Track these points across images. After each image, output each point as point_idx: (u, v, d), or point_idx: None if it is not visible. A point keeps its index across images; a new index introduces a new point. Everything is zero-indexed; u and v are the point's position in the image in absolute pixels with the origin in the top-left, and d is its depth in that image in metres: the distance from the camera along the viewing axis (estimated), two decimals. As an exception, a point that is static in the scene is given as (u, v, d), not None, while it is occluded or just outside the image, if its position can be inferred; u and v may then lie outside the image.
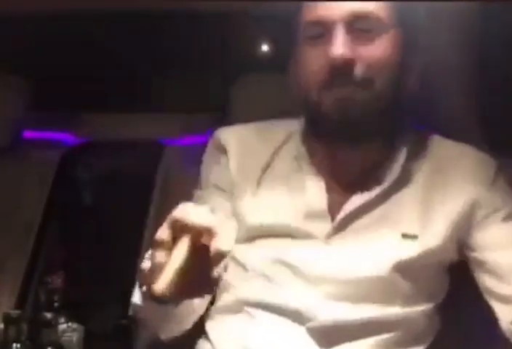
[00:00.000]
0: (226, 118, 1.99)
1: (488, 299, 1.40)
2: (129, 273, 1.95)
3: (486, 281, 1.39)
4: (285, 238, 1.35)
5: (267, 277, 1.34)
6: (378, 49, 1.31)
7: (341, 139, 1.34)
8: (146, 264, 1.13)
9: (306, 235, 1.34)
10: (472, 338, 1.55)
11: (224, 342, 1.36)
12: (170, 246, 0.97)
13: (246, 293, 1.36)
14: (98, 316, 1.81)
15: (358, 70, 1.29)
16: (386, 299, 1.34)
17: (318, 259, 1.33)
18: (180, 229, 0.97)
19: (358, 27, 1.29)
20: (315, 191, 1.36)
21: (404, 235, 1.35)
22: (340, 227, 1.35)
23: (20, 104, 2.17)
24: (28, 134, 2.23)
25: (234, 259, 1.39)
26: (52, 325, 1.41)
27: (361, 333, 1.33)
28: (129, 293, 1.92)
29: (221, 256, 0.96)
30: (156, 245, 0.98)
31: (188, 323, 1.34)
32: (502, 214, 1.39)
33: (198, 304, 1.33)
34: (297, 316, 1.31)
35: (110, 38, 2.39)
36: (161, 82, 2.37)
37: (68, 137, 2.23)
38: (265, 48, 2.21)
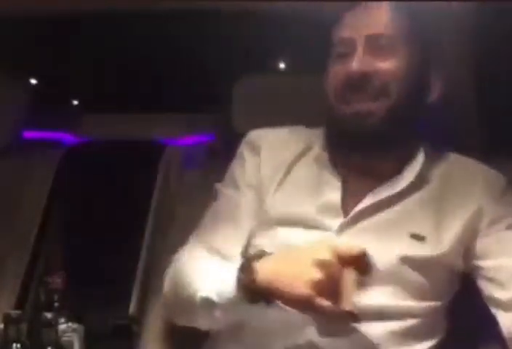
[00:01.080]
0: (227, 118, 1.99)
1: (490, 307, 1.44)
2: (129, 273, 1.96)
3: (487, 288, 1.44)
4: (300, 228, 1.45)
5: None
6: (395, 65, 1.44)
7: (357, 150, 1.46)
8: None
9: (320, 227, 1.44)
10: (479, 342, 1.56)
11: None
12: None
13: None
14: (98, 316, 1.80)
15: (375, 84, 1.43)
16: (397, 290, 1.41)
17: None
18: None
19: (377, 45, 1.45)
20: (331, 188, 1.48)
21: (413, 236, 1.43)
22: (352, 222, 1.44)
23: (20, 104, 2.17)
24: (28, 134, 2.23)
25: (254, 246, 1.49)
26: (52, 325, 1.41)
27: (370, 320, 1.38)
28: (129, 293, 1.93)
29: None
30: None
31: None
32: (506, 222, 1.45)
33: None
34: None
35: (111, 38, 2.39)
36: (162, 82, 2.37)
37: (68, 137, 2.23)
38: (266, 48, 2.21)
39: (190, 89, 2.37)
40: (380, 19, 1.47)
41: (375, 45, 1.45)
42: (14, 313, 1.38)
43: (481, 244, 1.45)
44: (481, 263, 1.45)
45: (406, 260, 1.41)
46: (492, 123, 1.87)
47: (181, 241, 1.85)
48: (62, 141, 2.23)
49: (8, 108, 2.13)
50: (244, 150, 1.60)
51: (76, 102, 2.37)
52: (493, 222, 1.46)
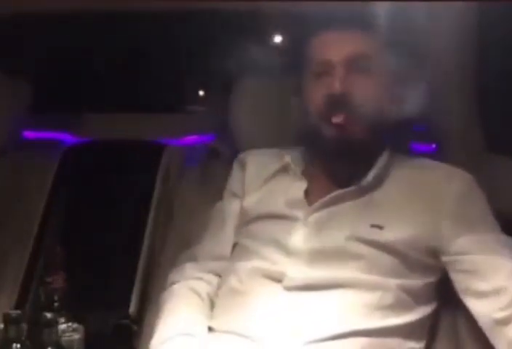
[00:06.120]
0: (226, 119, 1.99)
1: (465, 299, 1.53)
2: (129, 273, 1.96)
3: (462, 280, 1.53)
4: (274, 221, 1.64)
5: (258, 252, 1.61)
6: (369, 84, 1.59)
7: (330, 160, 1.63)
8: None
9: (289, 218, 1.62)
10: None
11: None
12: None
13: (242, 265, 1.62)
14: (98, 316, 1.80)
15: (353, 103, 1.57)
16: (347, 266, 1.53)
17: (294, 236, 1.59)
18: None
19: (354, 67, 1.59)
20: (298, 189, 1.66)
21: (373, 225, 1.55)
22: (316, 210, 1.60)
23: (20, 104, 2.17)
24: (28, 134, 2.23)
25: (237, 243, 1.69)
26: (52, 325, 1.41)
27: (330, 291, 1.51)
28: (129, 293, 1.93)
29: None
30: None
31: None
32: (469, 222, 1.55)
33: None
34: (275, 277, 1.55)
35: (110, 38, 2.39)
36: (161, 82, 2.38)
37: (68, 137, 2.23)
38: (266, 49, 2.21)
39: (190, 89, 2.37)
40: (357, 41, 1.61)
41: (353, 66, 1.59)
42: (15, 312, 1.38)
43: (449, 244, 1.54)
44: (454, 258, 1.54)
45: (363, 240, 1.54)
46: (492, 123, 1.87)
47: (180, 241, 1.86)
48: (62, 141, 2.22)
49: (8, 108, 2.13)
50: (234, 167, 1.81)
51: (75, 102, 2.36)
52: (458, 221, 1.55)
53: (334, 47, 1.61)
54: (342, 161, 1.62)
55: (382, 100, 1.61)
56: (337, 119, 1.57)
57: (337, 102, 1.57)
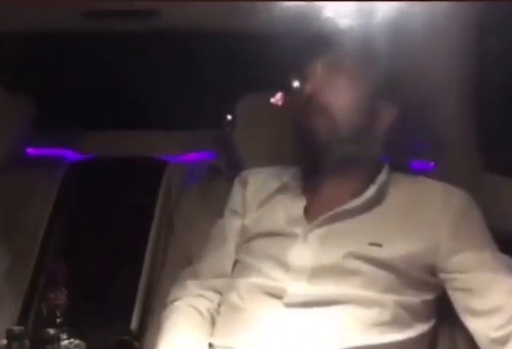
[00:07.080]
0: (229, 136, 2.00)
1: (462, 317, 1.55)
2: (130, 289, 1.96)
3: (459, 298, 1.55)
4: (274, 238, 1.66)
5: (259, 269, 1.63)
6: (342, 86, 1.62)
7: (318, 168, 1.65)
8: None
9: (289, 235, 1.64)
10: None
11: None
12: None
13: (242, 281, 1.64)
14: (100, 332, 1.81)
15: (320, 101, 1.61)
16: (346, 282, 1.55)
17: (294, 253, 1.60)
18: None
19: (330, 69, 1.63)
20: (297, 205, 1.68)
21: (371, 244, 1.57)
22: (315, 228, 1.62)
23: (23, 121, 2.18)
24: (31, 151, 2.24)
25: (238, 260, 1.72)
26: (54, 341, 1.42)
27: (328, 308, 1.53)
28: (130, 309, 1.94)
29: None
30: None
31: None
32: (467, 241, 1.57)
33: None
34: (276, 293, 1.57)
35: (112, 55, 2.41)
36: (164, 99, 2.39)
37: (70, 154, 2.24)
38: (268, 66, 2.23)
39: (192, 106, 2.38)
40: (344, 58, 1.64)
41: (328, 69, 1.63)
42: (17, 328, 1.39)
43: (447, 263, 1.56)
44: (452, 276, 1.56)
45: (361, 257, 1.55)
46: (491, 143, 1.88)
47: (181, 258, 1.87)
48: (65, 158, 2.23)
49: (11, 125, 2.14)
50: (235, 185, 1.84)
51: (78, 119, 2.38)
52: (455, 239, 1.57)
53: (321, 59, 1.65)
54: (327, 173, 1.65)
55: (352, 107, 1.63)
56: (306, 119, 1.62)
57: (309, 102, 1.61)
